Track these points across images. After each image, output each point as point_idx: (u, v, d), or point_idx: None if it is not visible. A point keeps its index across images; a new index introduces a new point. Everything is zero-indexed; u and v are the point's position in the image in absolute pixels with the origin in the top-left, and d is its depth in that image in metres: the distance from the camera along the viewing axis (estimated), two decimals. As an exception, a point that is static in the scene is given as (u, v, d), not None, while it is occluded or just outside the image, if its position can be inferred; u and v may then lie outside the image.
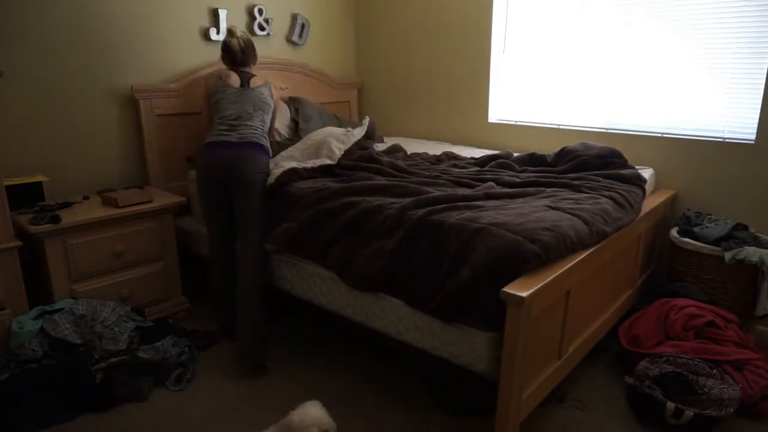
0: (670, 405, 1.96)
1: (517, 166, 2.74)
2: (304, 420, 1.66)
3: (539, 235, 1.77)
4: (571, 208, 2.03)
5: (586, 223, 1.96)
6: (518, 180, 2.49)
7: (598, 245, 2.00)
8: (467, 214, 1.96)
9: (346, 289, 2.18)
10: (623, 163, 2.60)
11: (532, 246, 1.73)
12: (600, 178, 2.45)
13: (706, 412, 1.95)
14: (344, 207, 2.21)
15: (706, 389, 2.04)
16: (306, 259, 2.34)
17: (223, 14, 3.21)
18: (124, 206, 2.52)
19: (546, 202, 2.11)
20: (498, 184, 2.45)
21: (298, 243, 2.31)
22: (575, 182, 2.41)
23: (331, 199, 2.27)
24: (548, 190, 2.34)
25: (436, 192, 2.24)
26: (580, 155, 2.64)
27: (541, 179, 2.48)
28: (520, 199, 2.18)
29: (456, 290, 1.80)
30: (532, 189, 2.33)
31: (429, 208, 2.03)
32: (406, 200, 2.14)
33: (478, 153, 3.18)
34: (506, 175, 2.56)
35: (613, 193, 2.26)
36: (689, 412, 1.93)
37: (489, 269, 1.73)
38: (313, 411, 1.70)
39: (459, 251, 1.84)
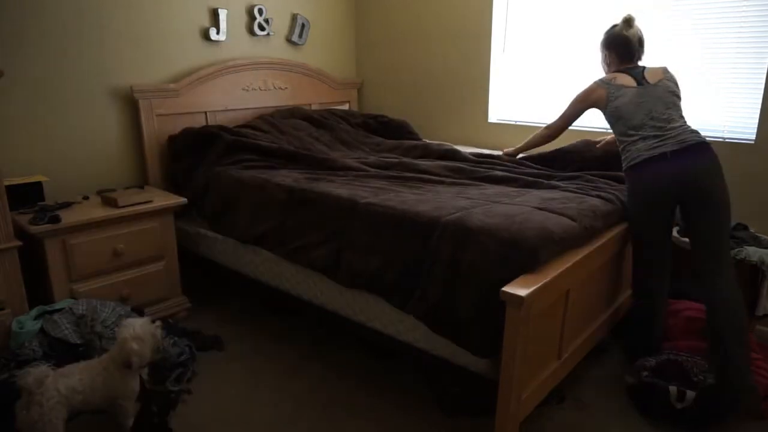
0: (673, 388, 1.98)
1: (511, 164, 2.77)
2: (122, 332, 1.86)
3: (526, 237, 1.76)
4: (558, 208, 2.02)
5: (573, 219, 1.95)
6: (511, 175, 2.51)
7: (598, 245, 1.99)
8: (458, 214, 1.95)
9: (346, 288, 2.19)
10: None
11: (517, 254, 1.73)
12: (595, 179, 2.46)
13: (706, 393, 1.97)
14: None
15: (701, 377, 2.05)
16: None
17: (223, 14, 3.21)
18: (124, 206, 2.52)
19: (535, 203, 2.10)
20: (490, 180, 2.48)
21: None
22: (564, 182, 2.45)
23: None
24: (540, 187, 2.37)
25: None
26: (580, 154, 2.66)
27: (533, 175, 2.52)
28: (506, 199, 2.17)
29: (453, 316, 1.82)
30: (529, 179, 2.39)
31: (420, 209, 2.03)
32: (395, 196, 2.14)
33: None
34: (500, 170, 2.59)
35: (601, 192, 2.26)
36: (692, 393, 1.95)
37: (480, 297, 1.76)
38: (135, 322, 1.89)
39: (447, 263, 1.85)
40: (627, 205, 2.24)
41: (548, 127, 2.62)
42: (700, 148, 2.10)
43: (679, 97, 2.27)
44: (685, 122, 2.21)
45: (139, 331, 1.85)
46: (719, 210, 2.08)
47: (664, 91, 2.23)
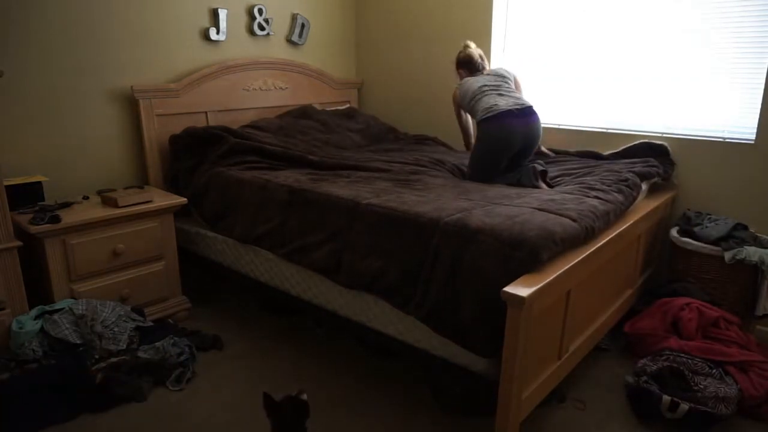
0: (666, 398, 1.98)
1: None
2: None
3: (527, 238, 1.77)
4: (558, 209, 2.03)
5: (573, 220, 1.96)
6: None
7: (598, 245, 2.00)
8: (459, 215, 1.95)
9: (346, 288, 2.19)
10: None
11: (519, 254, 1.73)
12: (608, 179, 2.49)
13: (700, 406, 1.96)
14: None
15: (701, 386, 2.05)
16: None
17: (223, 14, 3.21)
18: (124, 206, 2.52)
19: (535, 204, 2.11)
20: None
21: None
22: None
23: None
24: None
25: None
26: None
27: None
28: (506, 200, 2.17)
29: (454, 317, 1.82)
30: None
31: (425, 211, 2.03)
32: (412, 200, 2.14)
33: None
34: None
35: (599, 193, 2.26)
36: (684, 406, 1.95)
37: (481, 297, 1.76)
38: None
39: (448, 264, 1.85)
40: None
41: None
42: None
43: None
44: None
45: None
46: None
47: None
